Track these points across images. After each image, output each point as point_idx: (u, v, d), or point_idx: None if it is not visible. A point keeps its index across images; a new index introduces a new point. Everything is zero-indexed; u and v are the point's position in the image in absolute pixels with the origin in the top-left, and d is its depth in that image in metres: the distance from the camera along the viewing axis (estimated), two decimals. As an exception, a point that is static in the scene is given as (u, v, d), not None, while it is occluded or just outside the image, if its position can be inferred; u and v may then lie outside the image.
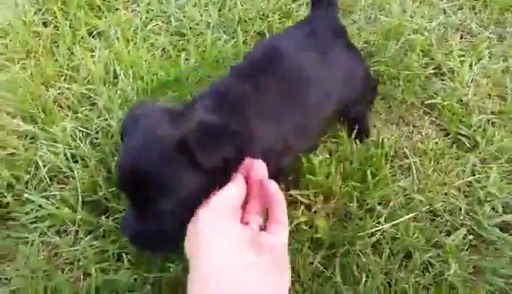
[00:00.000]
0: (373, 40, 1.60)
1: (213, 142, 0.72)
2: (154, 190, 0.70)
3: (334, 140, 1.31)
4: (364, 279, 1.00)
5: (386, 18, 1.68)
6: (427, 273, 1.04)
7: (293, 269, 1.02)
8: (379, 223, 1.09)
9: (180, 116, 0.78)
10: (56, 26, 1.69)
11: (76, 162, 1.26)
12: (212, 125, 0.76)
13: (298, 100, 0.97)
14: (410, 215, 1.11)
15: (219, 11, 1.77)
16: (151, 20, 1.74)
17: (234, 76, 0.97)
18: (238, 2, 1.76)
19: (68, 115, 1.38)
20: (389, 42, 1.55)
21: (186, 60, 1.52)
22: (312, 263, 1.04)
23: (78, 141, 1.27)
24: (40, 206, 1.19)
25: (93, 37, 1.67)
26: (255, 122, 0.87)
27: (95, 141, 1.30)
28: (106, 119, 1.33)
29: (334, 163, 1.19)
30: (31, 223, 1.18)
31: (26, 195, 1.19)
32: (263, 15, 1.73)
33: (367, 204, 1.14)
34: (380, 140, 1.25)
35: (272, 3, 1.75)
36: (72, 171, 1.23)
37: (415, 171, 1.21)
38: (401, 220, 1.10)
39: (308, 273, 1.03)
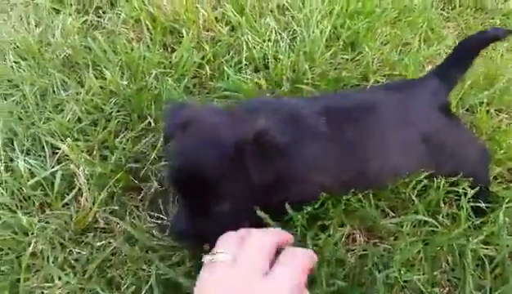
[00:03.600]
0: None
1: (266, 160, 0.72)
2: (210, 192, 0.72)
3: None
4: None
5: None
6: None
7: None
8: None
9: (240, 120, 0.79)
10: None
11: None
12: (269, 141, 0.74)
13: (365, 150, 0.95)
14: None
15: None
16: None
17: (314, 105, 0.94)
18: None
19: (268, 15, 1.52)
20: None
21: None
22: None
23: (279, 40, 1.40)
24: (232, 81, 1.33)
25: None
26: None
27: (290, 44, 1.43)
28: (302, 30, 1.45)
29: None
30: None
31: (225, 68, 1.35)
32: None
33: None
34: None
35: None
36: (266, 65, 1.37)
37: None
38: None
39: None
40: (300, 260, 0.60)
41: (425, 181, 1.08)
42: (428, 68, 1.44)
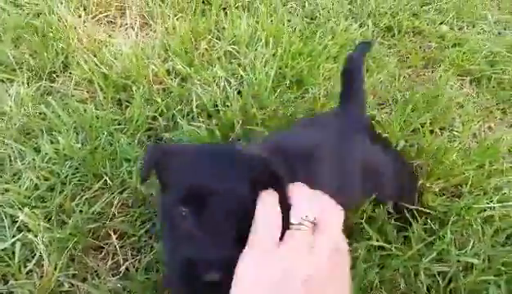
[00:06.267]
0: (497, 52, 1.69)
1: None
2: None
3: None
4: (471, 244, 1.10)
5: None
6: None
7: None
8: (491, 202, 1.19)
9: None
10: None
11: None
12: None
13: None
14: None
15: (349, 4, 1.94)
16: (288, 2, 1.94)
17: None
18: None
19: (215, 66, 1.58)
20: (512, 55, 1.64)
21: (321, 38, 1.69)
22: (426, 223, 1.16)
23: (227, 87, 1.46)
24: (186, 131, 1.38)
25: (237, 8, 1.88)
26: None
27: (239, 89, 1.49)
28: (249, 74, 1.51)
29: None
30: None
31: (178, 120, 1.40)
32: (393, 12, 1.88)
33: (481, 187, 1.24)
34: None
35: (403, 3, 1.89)
36: (218, 111, 1.43)
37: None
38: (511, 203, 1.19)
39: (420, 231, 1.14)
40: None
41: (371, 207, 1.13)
42: (370, 98, 1.51)
